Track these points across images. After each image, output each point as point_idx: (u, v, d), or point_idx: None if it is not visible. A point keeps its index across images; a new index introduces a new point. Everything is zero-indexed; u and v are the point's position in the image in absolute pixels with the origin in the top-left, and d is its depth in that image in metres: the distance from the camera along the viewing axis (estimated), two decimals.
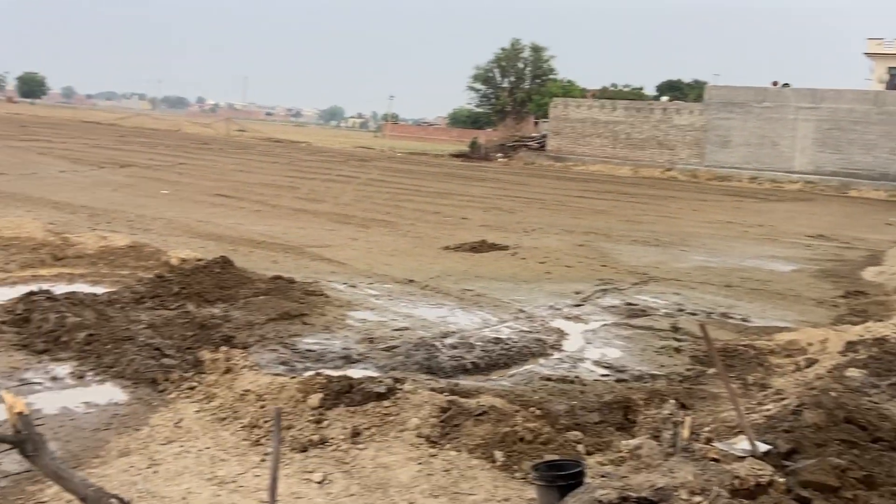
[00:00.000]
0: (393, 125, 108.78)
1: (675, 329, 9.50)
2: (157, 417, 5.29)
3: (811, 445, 4.81)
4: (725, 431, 5.57)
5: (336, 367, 7.52)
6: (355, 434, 4.92)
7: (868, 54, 53.73)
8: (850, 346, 7.46)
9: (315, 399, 5.16)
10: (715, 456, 3.69)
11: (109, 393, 5.88)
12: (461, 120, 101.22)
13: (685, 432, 3.79)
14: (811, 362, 7.57)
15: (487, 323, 9.46)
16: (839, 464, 4.60)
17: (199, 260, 10.59)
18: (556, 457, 4.54)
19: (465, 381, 7.15)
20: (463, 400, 5.34)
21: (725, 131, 48.61)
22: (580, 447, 4.84)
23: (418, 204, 22.88)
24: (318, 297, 9.83)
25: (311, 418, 5.04)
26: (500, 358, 7.97)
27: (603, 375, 7.60)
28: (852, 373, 6.52)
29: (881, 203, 37.38)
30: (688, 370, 7.82)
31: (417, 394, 5.28)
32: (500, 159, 56.81)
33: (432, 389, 5.79)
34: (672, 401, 4.43)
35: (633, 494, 3.07)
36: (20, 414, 2.86)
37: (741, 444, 4.84)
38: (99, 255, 11.23)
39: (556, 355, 8.37)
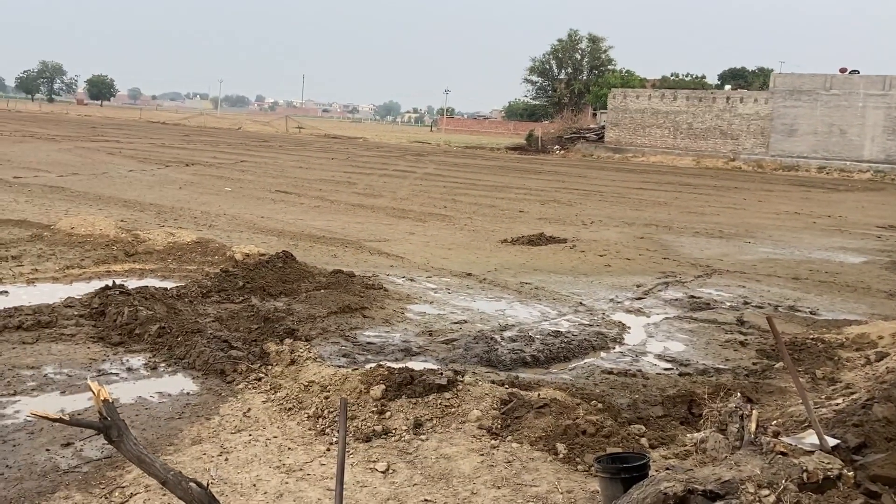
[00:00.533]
0: (448, 119, 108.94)
1: (741, 322, 9.30)
2: (226, 407, 5.46)
3: (881, 439, 4.67)
4: (793, 426, 5.44)
5: (396, 360, 7.63)
6: (417, 425, 4.99)
7: None
8: None
9: (377, 390, 5.25)
10: (783, 449, 3.61)
11: (181, 383, 6.10)
12: (517, 113, 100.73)
13: (752, 425, 3.72)
14: (882, 356, 7.31)
15: (546, 316, 9.43)
16: None
17: (262, 255, 10.85)
18: (619, 450, 4.52)
19: (525, 374, 7.16)
20: (523, 392, 5.35)
21: (792, 120, 47.11)
22: (643, 440, 4.80)
23: (475, 198, 22.91)
24: (377, 291, 9.97)
25: (374, 409, 5.13)
26: (560, 351, 7.94)
27: (666, 369, 7.50)
28: None
29: None
30: (754, 364, 7.64)
31: (478, 386, 5.32)
32: (557, 152, 56.35)
33: (492, 382, 5.82)
34: (738, 394, 4.35)
35: (699, 487, 3.04)
36: (105, 401, 3.00)
37: (809, 438, 4.72)
38: (167, 251, 11.62)
39: (618, 349, 8.29)
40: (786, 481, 3.15)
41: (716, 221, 19.60)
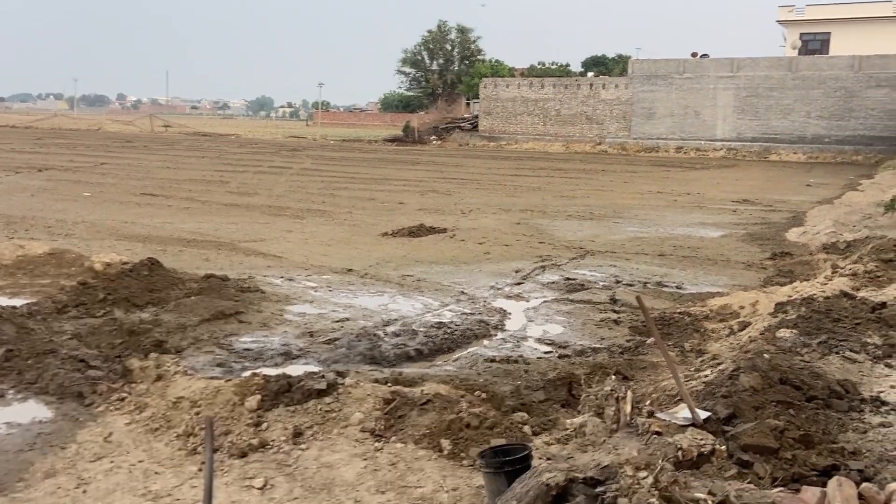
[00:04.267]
0: (324, 113, 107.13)
1: (614, 301, 9.62)
2: (84, 433, 5.03)
3: (749, 409, 4.90)
4: (667, 400, 5.64)
5: (276, 365, 7.34)
6: (297, 434, 4.78)
7: (780, 21, 55.45)
8: (780, 307, 7.66)
9: (253, 401, 4.99)
10: (658, 429, 3.70)
11: (32, 411, 5.57)
12: (393, 104, 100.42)
13: (627, 407, 3.78)
14: (744, 325, 7.76)
15: (429, 308, 9.38)
16: (777, 425, 4.70)
17: (125, 263, 10.17)
18: (502, 441, 4.50)
19: (410, 369, 7.07)
20: (407, 390, 5.24)
21: (650, 103, 49.58)
22: (526, 428, 4.81)
23: (353, 191, 22.60)
24: (253, 294, 9.58)
25: (249, 421, 4.87)
26: (444, 343, 7.91)
27: (546, 353, 7.63)
28: (783, 333, 6.70)
29: (800, 165, 38.81)
30: (627, 341, 7.91)
31: (359, 387, 5.16)
32: (434, 142, 56.69)
33: (376, 380, 5.69)
34: (613, 376, 4.43)
35: (580, 475, 3.04)
36: None
37: (682, 412, 4.89)
38: (17, 265, 10.67)
39: (500, 335, 8.36)
40: (662, 461, 3.20)
41: (586, 204, 20.29)
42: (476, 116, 58.81)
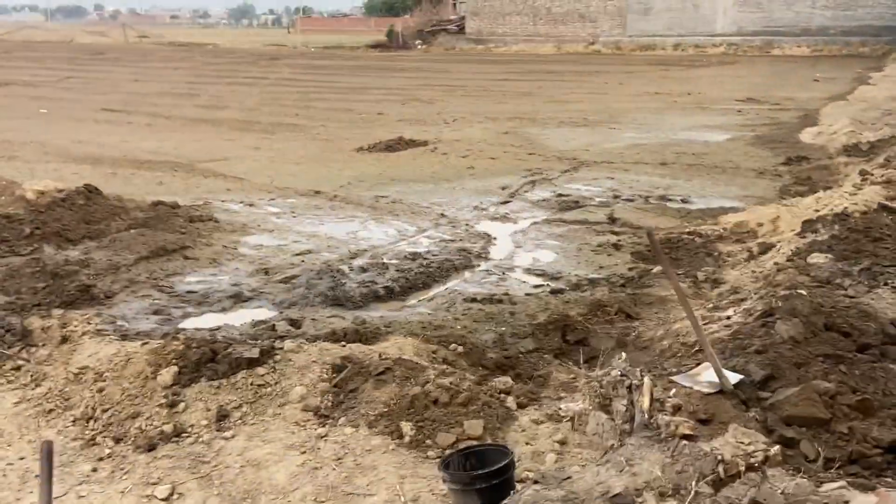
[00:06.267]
0: (306, 19, 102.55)
1: (612, 220, 8.55)
2: None
3: (790, 367, 3.91)
4: (682, 351, 4.66)
5: (223, 310, 6.34)
6: (221, 417, 3.79)
7: None
8: (808, 225, 6.60)
9: (168, 375, 3.97)
10: (688, 431, 2.72)
11: None
12: (377, 8, 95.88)
13: (645, 401, 2.78)
14: (765, 248, 6.72)
15: (404, 234, 8.31)
16: (827, 388, 3.72)
17: (60, 191, 8.98)
18: (478, 425, 3.52)
19: (376, 313, 6.06)
20: (364, 351, 4.23)
21: None
22: (510, 401, 3.82)
23: (330, 102, 21.10)
24: (205, 224, 8.46)
25: (162, 401, 3.87)
26: (419, 278, 6.86)
27: (536, 287, 6.60)
28: (817, 259, 5.67)
29: (805, 59, 36.92)
30: (630, 269, 6.88)
31: (302, 352, 4.14)
32: (419, 47, 54.10)
33: (327, 339, 4.66)
34: (623, 354, 3.42)
35: None
36: None
37: (706, 374, 3.91)
38: None
39: (483, 266, 7.32)
40: (696, 482, 2.22)
41: (580, 109, 18.91)
42: (463, 18, 55.95)
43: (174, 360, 4.06)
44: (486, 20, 52.77)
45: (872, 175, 8.10)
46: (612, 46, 47.07)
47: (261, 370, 3.98)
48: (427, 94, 22.92)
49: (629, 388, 2.83)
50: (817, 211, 7.19)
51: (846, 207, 6.84)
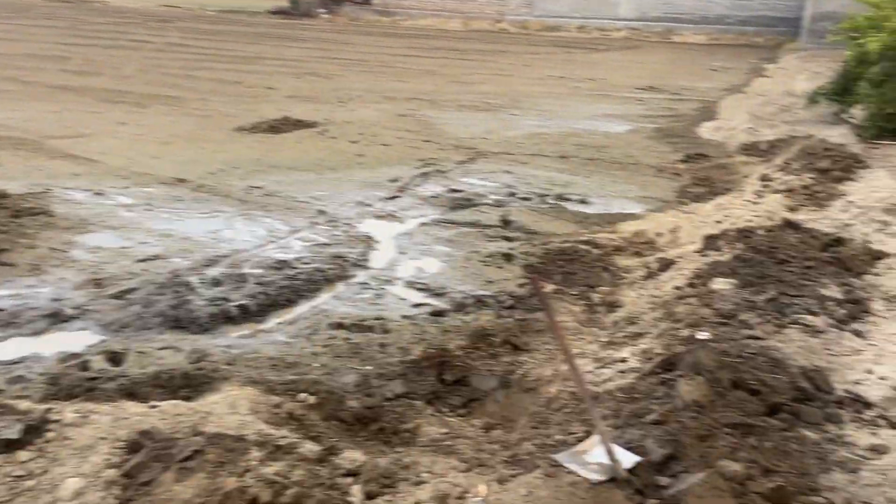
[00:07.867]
0: None
1: (506, 223, 7.86)
2: None
3: (694, 441, 3.28)
4: (571, 406, 3.98)
5: (35, 333, 5.26)
6: None
7: None
8: (710, 241, 6.09)
9: None
10: None
11: None
12: None
13: None
14: (665, 265, 6.18)
15: (275, 235, 7.35)
16: (735, 473, 3.11)
17: None
18: None
19: (222, 342, 5.13)
20: (173, 421, 3.32)
21: None
22: (355, 491, 3.02)
23: (217, 73, 19.53)
24: (34, 219, 7.22)
25: None
26: (282, 293, 5.96)
27: (415, 306, 5.82)
28: (719, 285, 5.13)
29: (702, 47, 37.56)
30: (520, 286, 6.18)
31: (88, 424, 3.19)
32: (323, 16, 52.02)
33: (157, 377, 3.72)
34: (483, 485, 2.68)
35: None
36: None
37: (594, 452, 3.23)
38: None
39: (359, 277, 6.47)
40: None
41: (482, 91, 18.20)
42: None
43: None
44: None
45: (773, 181, 7.73)
46: (518, 25, 46.68)
47: (23, 455, 3.02)
48: (324, 69, 21.65)
49: None
50: (719, 222, 6.73)
51: (749, 219, 6.38)
